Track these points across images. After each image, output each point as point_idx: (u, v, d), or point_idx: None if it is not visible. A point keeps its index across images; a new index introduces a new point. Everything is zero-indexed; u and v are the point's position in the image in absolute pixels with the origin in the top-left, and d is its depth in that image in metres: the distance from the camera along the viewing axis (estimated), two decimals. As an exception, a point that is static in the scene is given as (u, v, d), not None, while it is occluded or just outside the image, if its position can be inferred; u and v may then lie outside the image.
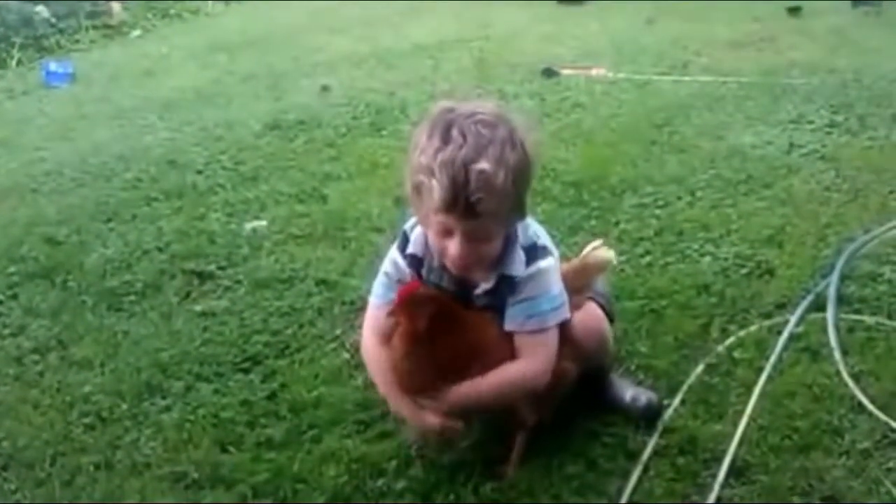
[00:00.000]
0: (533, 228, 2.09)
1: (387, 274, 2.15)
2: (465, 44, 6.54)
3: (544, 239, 2.10)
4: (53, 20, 7.95)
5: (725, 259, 3.06)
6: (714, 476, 2.10)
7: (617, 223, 3.39)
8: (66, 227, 3.75)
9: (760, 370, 2.45)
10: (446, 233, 1.95)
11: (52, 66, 6.66)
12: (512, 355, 2.07)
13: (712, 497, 2.05)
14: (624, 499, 2.07)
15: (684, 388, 2.41)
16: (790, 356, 2.52)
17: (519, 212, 2.00)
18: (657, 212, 3.47)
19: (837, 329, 2.60)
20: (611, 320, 2.30)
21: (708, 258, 3.08)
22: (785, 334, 2.59)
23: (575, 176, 3.81)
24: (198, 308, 3.03)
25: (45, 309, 3.11)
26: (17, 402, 2.61)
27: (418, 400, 2.08)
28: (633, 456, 2.17)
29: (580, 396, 2.28)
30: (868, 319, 2.66)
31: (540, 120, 4.51)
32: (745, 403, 2.32)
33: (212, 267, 3.30)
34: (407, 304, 2.00)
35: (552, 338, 2.07)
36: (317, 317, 2.91)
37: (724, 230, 3.26)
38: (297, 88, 5.73)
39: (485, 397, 2.07)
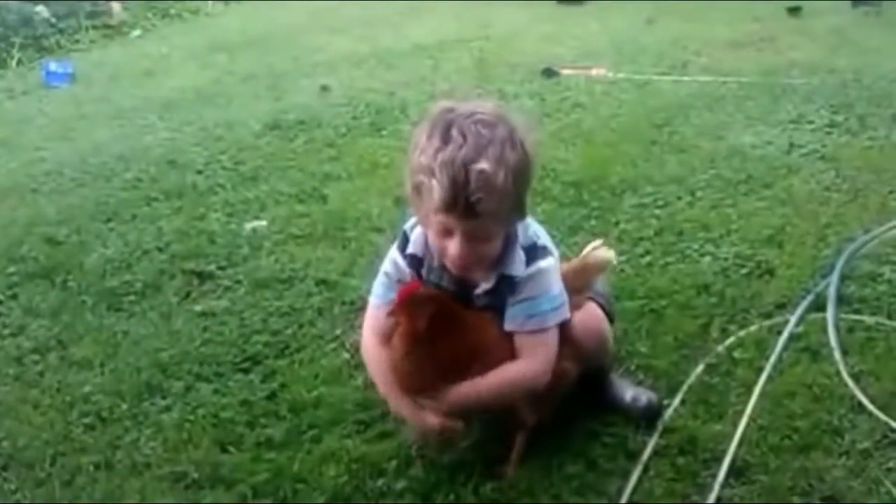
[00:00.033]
0: (533, 228, 2.09)
1: (387, 274, 2.15)
2: (465, 44, 6.54)
3: (544, 239, 2.10)
4: (53, 20, 7.95)
5: (725, 259, 3.06)
6: (714, 476, 2.10)
7: (617, 223, 3.39)
8: (66, 227, 3.75)
9: (760, 370, 2.45)
10: (446, 233, 1.95)
11: (52, 66, 6.65)
12: (512, 355, 2.07)
13: (712, 497, 2.05)
14: (624, 499, 2.07)
15: (684, 388, 2.41)
16: (790, 356, 2.52)
17: (519, 211, 2.00)
18: (657, 212, 3.47)
19: (837, 329, 2.60)
20: (611, 320, 2.30)
21: (708, 258, 3.08)
22: (785, 334, 2.59)
23: (575, 176, 3.81)
24: (198, 308, 3.03)
25: (44, 309, 3.11)
26: (17, 402, 2.61)
27: (418, 400, 2.08)
28: (633, 456, 2.17)
29: (580, 396, 2.28)
30: (868, 319, 2.66)
31: (540, 120, 4.51)
32: (745, 403, 2.32)
33: (212, 267, 3.30)
34: (407, 303, 2.00)
35: (552, 338, 2.07)
36: (317, 317, 2.91)
37: (724, 230, 3.27)
38: (297, 88, 5.73)
39: (485, 397, 2.07)
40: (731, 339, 2.61)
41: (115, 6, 8.50)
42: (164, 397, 2.57)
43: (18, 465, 2.34)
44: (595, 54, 5.97)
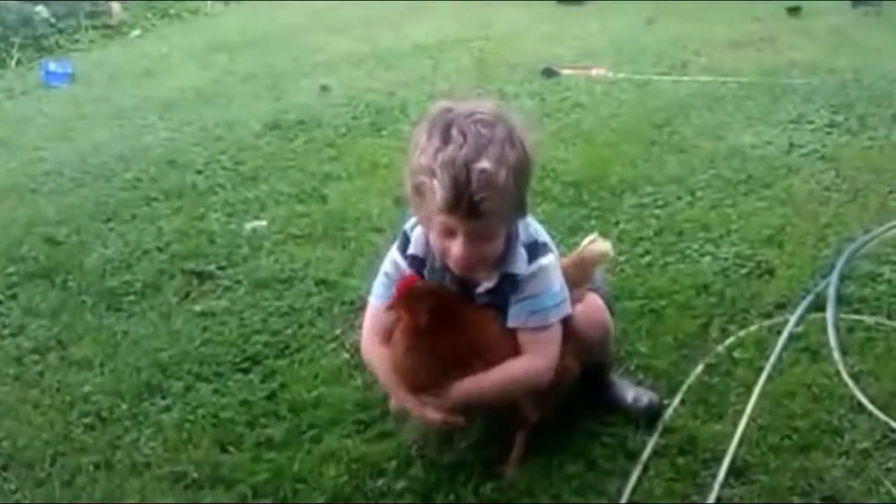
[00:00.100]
0: (533, 226, 2.10)
1: (387, 274, 2.15)
2: (465, 44, 6.54)
3: (544, 236, 2.10)
4: (53, 20, 7.95)
5: (725, 259, 3.06)
6: (714, 476, 2.10)
7: (617, 223, 3.39)
8: (65, 227, 3.75)
9: (760, 370, 2.45)
10: (448, 233, 1.95)
11: (52, 66, 6.66)
12: (514, 352, 2.07)
13: (712, 497, 2.05)
14: (624, 499, 2.07)
15: (684, 388, 2.41)
16: (790, 356, 2.52)
17: (520, 210, 2.00)
18: (657, 212, 3.47)
19: (837, 329, 2.60)
20: (611, 313, 2.31)
21: (708, 258, 3.08)
22: (785, 334, 2.59)
23: (575, 176, 3.81)
24: (197, 308, 3.03)
25: (44, 309, 3.11)
26: (17, 402, 2.62)
27: (421, 397, 2.08)
28: (633, 456, 2.18)
29: (581, 396, 2.28)
30: (868, 319, 2.66)
31: (540, 120, 4.51)
32: (745, 403, 2.32)
33: (211, 267, 3.30)
34: (406, 297, 2.00)
35: (555, 334, 2.08)
36: (316, 317, 2.91)
37: (724, 230, 3.27)
38: (297, 88, 5.73)
39: (488, 393, 2.07)
40: (730, 339, 2.61)
41: (115, 6, 8.50)
42: (163, 397, 2.57)
43: (18, 465, 2.34)
44: (595, 54, 5.97)
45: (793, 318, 2.66)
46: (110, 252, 3.49)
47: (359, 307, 2.69)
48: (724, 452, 2.16)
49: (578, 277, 2.19)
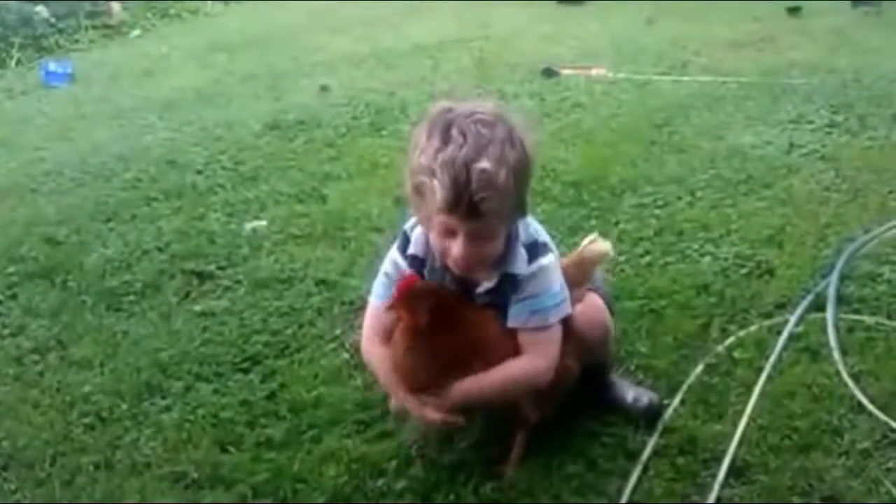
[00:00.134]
0: (533, 226, 2.10)
1: (387, 274, 2.15)
2: (465, 44, 6.54)
3: (544, 236, 2.10)
4: (53, 20, 7.95)
5: (725, 259, 3.06)
6: (714, 476, 2.10)
7: (617, 223, 3.39)
8: (65, 227, 3.75)
9: (760, 370, 2.45)
10: (449, 233, 1.95)
11: (52, 66, 6.66)
12: (514, 352, 2.07)
13: (712, 497, 2.05)
14: (624, 499, 2.07)
15: (684, 388, 2.41)
16: (790, 356, 2.52)
17: (520, 210, 2.00)
18: (657, 212, 3.47)
19: (837, 329, 2.60)
20: (611, 312, 2.31)
21: (708, 258, 3.08)
22: (784, 334, 2.59)
23: (575, 176, 3.81)
24: (197, 308, 3.03)
25: (44, 309, 3.11)
26: (17, 402, 2.62)
27: (421, 397, 2.07)
28: (633, 456, 2.18)
29: (581, 396, 2.28)
30: (868, 319, 2.66)
31: (540, 120, 4.51)
32: (745, 403, 2.32)
33: (211, 267, 3.30)
34: (406, 297, 2.00)
35: (556, 334, 2.08)
36: (316, 317, 2.91)
37: (724, 230, 3.27)
38: (297, 88, 5.73)
39: (488, 393, 2.07)
40: (730, 339, 2.61)
41: (115, 6, 8.50)
42: (163, 397, 2.57)
43: (18, 465, 2.34)
44: (595, 54, 5.97)
45: (793, 318, 2.66)
46: (110, 252, 3.49)
47: (359, 307, 2.69)
48: (724, 452, 2.16)
49: (578, 277, 2.19)
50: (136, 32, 8.33)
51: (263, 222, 3.63)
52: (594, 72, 5.48)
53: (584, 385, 2.26)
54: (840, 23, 6.50)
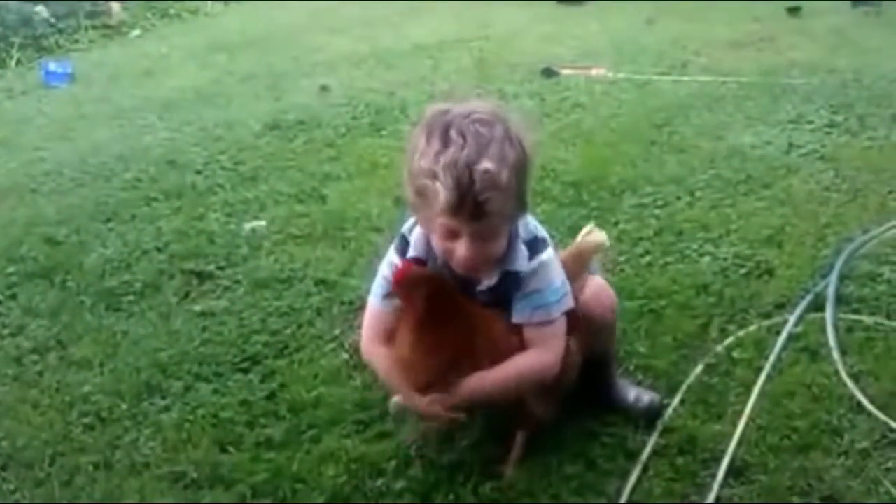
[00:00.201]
0: (532, 222, 2.11)
1: (385, 277, 2.14)
2: (465, 44, 6.54)
3: (542, 231, 2.11)
4: (53, 20, 7.94)
5: (725, 259, 3.06)
6: (713, 476, 2.10)
7: (616, 223, 3.38)
8: (65, 227, 3.75)
9: (759, 370, 2.45)
10: (452, 235, 1.95)
11: (52, 66, 6.65)
12: (518, 349, 2.07)
13: (711, 497, 2.05)
14: (623, 499, 2.07)
15: (683, 388, 2.41)
16: (789, 356, 2.52)
17: (521, 208, 2.01)
18: (657, 212, 3.47)
19: (836, 329, 2.60)
20: None
21: (707, 258, 3.08)
22: (784, 334, 2.59)
23: (575, 176, 3.81)
24: (197, 308, 3.03)
25: (44, 309, 3.11)
26: (16, 402, 2.61)
27: (427, 395, 2.06)
28: (633, 456, 2.18)
29: (582, 396, 2.28)
30: (867, 319, 2.66)
31: (540, 120, 4.51)
32: (745, 403, 2.32)
33: (211, 267, 3.30)
34: (402, 284, 2.00)
35: (560, 328, 2.08)
36: (316, 317, 2.91)
37: (724, 230, 3.27)
38: (297, 88, 5.73)
39: (496, 388, 2.07)
40: (730, 339, 2.61)
41: (115, 6, 8.49)
42: (163, 397, 2.57)
43: (18, 465, 2.34)
44: (595, 54, 5.97)
45: (792, 318, 2.66)
46: (110, 252, 3.49)
47: (358, 307, 2.69)
48: (723, 452, 2.16)
49: (577, 269, 2.21)
50: (136, 32, 8.33)
51: (263, 222, 3.63)
52: (594, 72, 5.48)
53: (585, 384, 2.26)
54: (840, 23, 6.50)
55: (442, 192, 1.86)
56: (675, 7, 7.17)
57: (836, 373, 2.41)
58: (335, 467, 2.22)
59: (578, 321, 2.13)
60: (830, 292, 2.76)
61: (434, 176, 1.86)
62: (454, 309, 2.02)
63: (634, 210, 3.50)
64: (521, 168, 1.92)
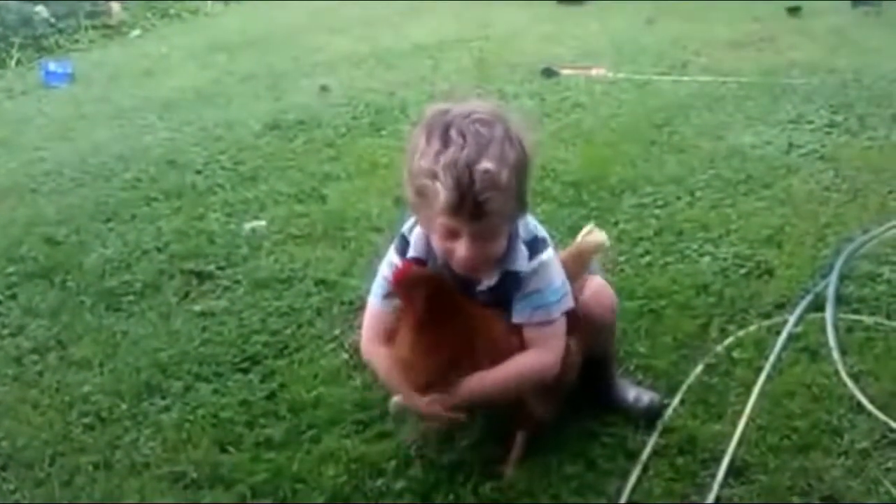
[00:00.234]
0: (532, 222, 2.11)
1: (385, 277, 2.14)
2: (465, 44, 6.54)
3: (542, 231, 2.11)
4: (53, 20, 7.94)
5: (725, 259, 3.06)
6: (713, 476, 2.10)
7: (616, 223, 3.38)
8: (65, 227, 3.75)
9: (759, 370, 2.45)
10: (452, 235, 1.95)
11: (52, 66, 6.65)
12: (518, 348, 2.07)
13: (711, 497, 2.05)
14: (623, 499, 2.07)
15: (683, 388, 2.41)
16: (789, 356, 2.52)
17: (521, 208, 2.01)
18: (656, 212, 3.47)
19: (836, 329, 2.60)
20: None
21: (707, 258, 3.08)
22: (784, 334, 2.59)
23: (574, 176, 3.81)
24: (197, 308, 3.03)
25: (44, 309, 3.11)
26: (16, 402, 2.61)
27: (428, 395, 2.05)
28: (633, 456, 2.18)
29: (582, 396, 2.28)
30: (867, 319, 2.66)
31: (540, 120, 4.51)
32: (744, 403, 2.32)
33: (211, 267, 3.30)
34: (402, 284, 2.00)
35: (560, 328, 2.08)
36: (316, 317, 2.91)
37: (724, 230, 3.27)
38: (297, 88, 5.73)
39: (496, 388, 2.06)
40: (730, 339, 2.61)
41: (115, 6, 8.49)
42: (163, 397, 2.57)
43: (18, 465, 2.34)
44: (595, 54, 5.97)
45: (792, 318, 2.66)
46: (110, 252, 3.49)
47: (358, 307, 2.69)
48: (723, 452, 2.16)
49: (577, 269, 2.21)
50: (136, 32, 8.33)
51: (263, 222, 3.63)
52: (594, 72, 5.48)
53: (585, 384, 2.26)
54: (840, 23, 6.50)
55: (442, 191, 1.86)
56: (675, 7, 7.17)
57: (836, 373, 2.41)
58: (335, 467, 2.22)
59: (578, 321, 2.13)
60: (830, 292, 2.76)
61: (434, 176, 1.87)
62: (454, 309, 2.02)
63: (634, 210, 3.50)
64: (521, 168, 1.93)
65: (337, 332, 2.80)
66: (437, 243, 2.01)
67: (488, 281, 2.06)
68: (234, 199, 3.91)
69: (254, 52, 7.00)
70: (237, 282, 3.19)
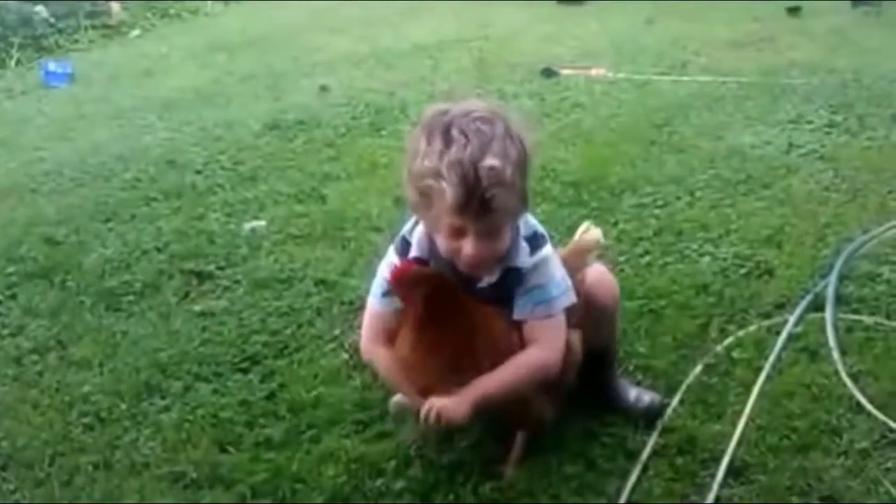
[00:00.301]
0: (531, 219, 2.12)
1: (385, 278, 2.14)
2: (465, 44, 6.54)
3: (540, 227, 2.12)
4: (52, 20, 7.94)
5: (724, 259, 3.06)
6: (713, 476, 2.10)
7: (616, 223, 3.38)
8: (65, 227, 3.75)
9: (759, 370, 2.45)
10: (458, 234, 1.95)
11: (52, 66, 6.65)
12: (518, 346, 2.07)
13: (711, 497, 2.05)
14: (623, 499, 2.07)
15: (683, 388, 2.41)
16: (789, 356, 2.52)
17: (524, 205, 2.02)
18: (656, 212, 3.47)
19: (836, 329, 2.60)
20: None
21: (707, 258, 3.08)
22: (784, 334, 2.59)
23: (574, 176, 3.81)
24: (197, 308, 3.03)
25: (43, 309, 3.11)
26: (16, 402, 2.61)
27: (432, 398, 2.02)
28: (632, 456, 2.18)
29: (583, 395, 2.28)
30: (866, 319, 2.66)
31: (539, 120, 4.51)
32: (744, 403, 2.32)
33: (211, 267, 3.30)
34: (402, 283, 2.00)
35: (561, 323, 2.09)
36: (315, 317, 2.91)
37: (723, 230, 3.27)
38: (297, 88, 5.73)
39: (503, 389, 2.04)
40: (729, 339, 2.61)
41: (115, 6, 8.49)
42: (163, 397, 2.57)
43: (17, 465, 2.34)
44: (595, 54, 5.97)
45: (792, 319, 2.66)
46: (109, 252, 3.49)
47: (358, 307, 2.69)
48: (722, 452, 2.16)
49: (575, 266, 2.21)
50: (136, 32, 8.32)
51: (262, 222, 3.63)
52: (594, 72, 5.48)
53: (585, 384, 2.26)
54: (840, 23, 6.50)
55: (448, 190, 1.86)
56: (675, 7, 7.16)
57: (836, 373, 2.41)
58: (335, 467, 2.22)
59: (579, 316, 2.13)
60: (830, 292, 2.76)
61: (439, 175, 1.87)
62: (454, 307, 2.02)
63: (634, 210, 3.50)
64: (522, 164, 1.94)
65: (337, 332, 2.80)
66: (443, 243, 2.00)
67: (489, 277, 2.07)
68: (233, 199, 3.91)
69: (253, 52, 7.00)
70: (237, 282, 3.19)
